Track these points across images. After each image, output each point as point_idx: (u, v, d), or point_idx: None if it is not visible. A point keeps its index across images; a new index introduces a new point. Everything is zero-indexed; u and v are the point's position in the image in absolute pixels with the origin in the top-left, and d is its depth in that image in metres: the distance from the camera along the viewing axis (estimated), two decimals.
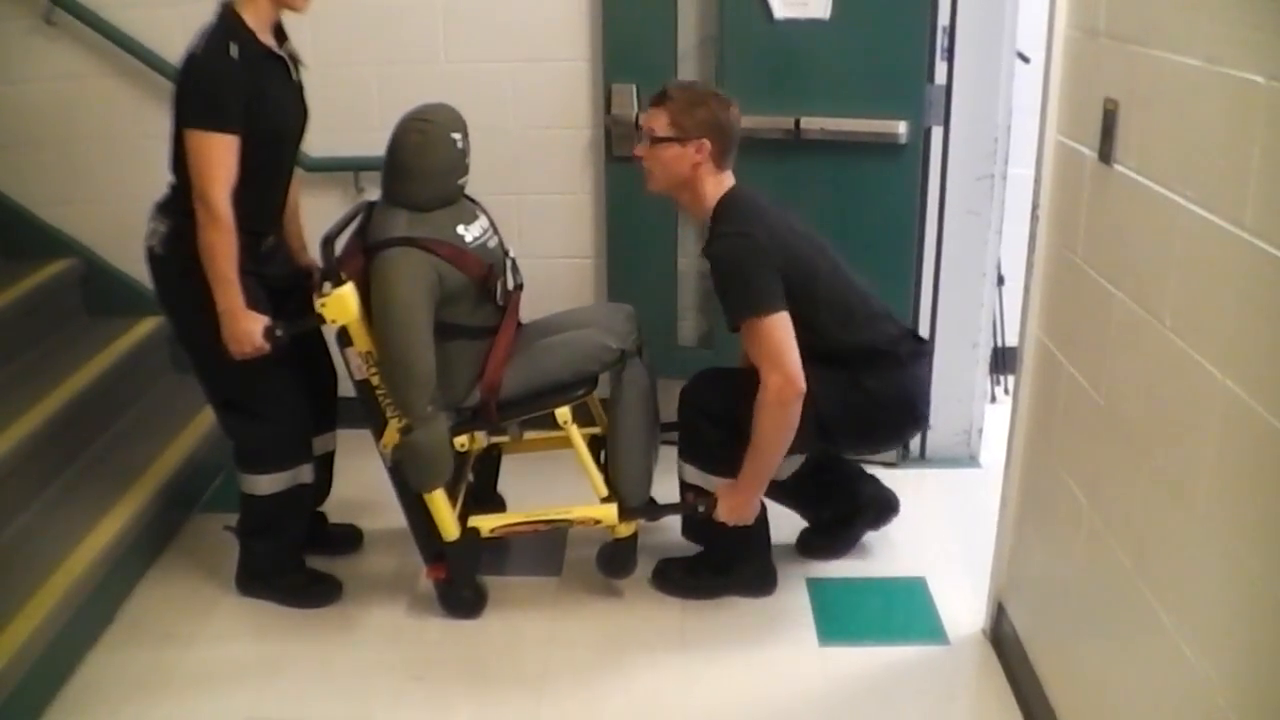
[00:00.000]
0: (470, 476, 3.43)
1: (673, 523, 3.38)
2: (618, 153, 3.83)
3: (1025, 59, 3.73)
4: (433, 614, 3.27)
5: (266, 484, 3.22)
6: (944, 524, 3.69)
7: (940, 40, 3.61)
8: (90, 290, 4.33)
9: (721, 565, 3.31)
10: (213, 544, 3.52)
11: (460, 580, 3.23)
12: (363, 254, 2.98)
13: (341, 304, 2.92)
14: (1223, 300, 1.78)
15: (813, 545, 3.49)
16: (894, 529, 3.53)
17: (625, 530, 3.21)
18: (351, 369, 3.05)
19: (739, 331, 2.97)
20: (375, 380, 3.03)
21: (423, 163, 2.99)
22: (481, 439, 3.23)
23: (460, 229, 3.05)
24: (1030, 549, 2.86)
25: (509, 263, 3.19)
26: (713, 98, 3.00)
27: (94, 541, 3.23)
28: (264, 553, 3.35)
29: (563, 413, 3.10)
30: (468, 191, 3.17)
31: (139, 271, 3.20)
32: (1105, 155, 2.28)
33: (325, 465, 3.49)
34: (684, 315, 4.06)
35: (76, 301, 4.32)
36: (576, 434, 3.14)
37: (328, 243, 2.94)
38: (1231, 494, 1.77)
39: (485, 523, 3.22)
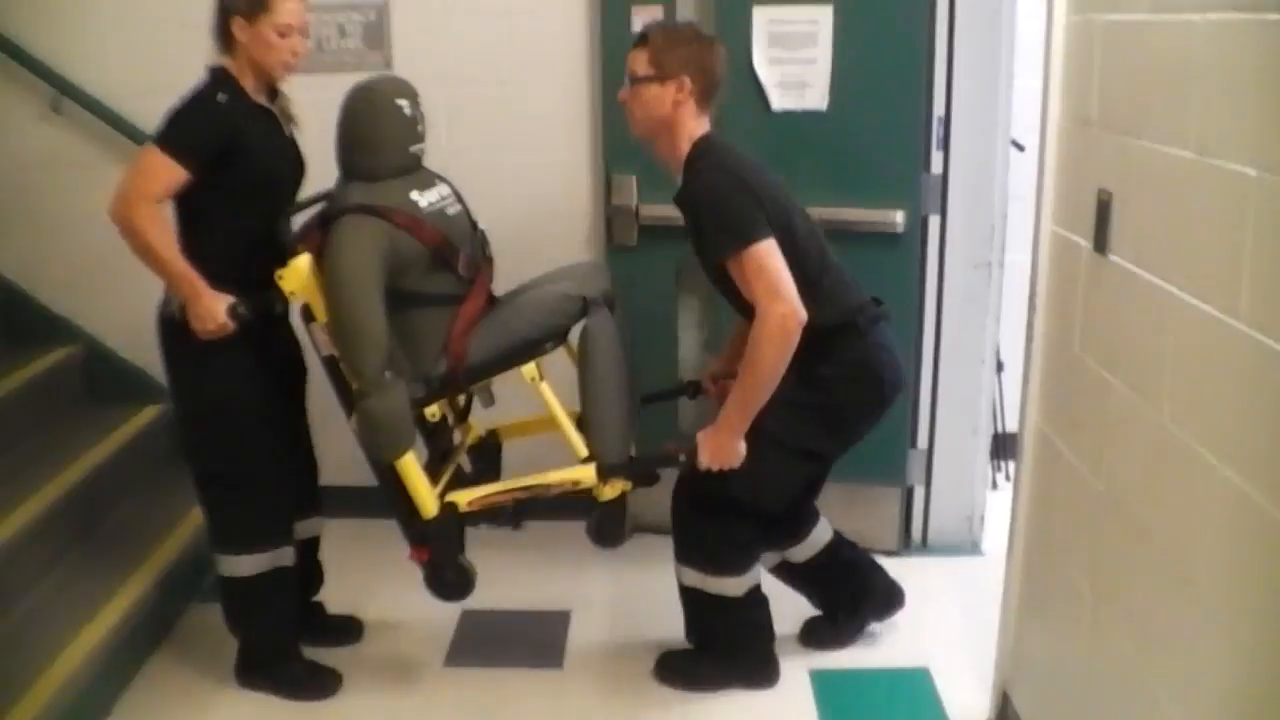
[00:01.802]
0: (469, 468, 3.38)
1: (675, 622, 3.32)
2: (618, 242, 3.88)
3: (1020, 147, 3.78)
4: (436, 708, 3.23)
5: (248, 565, 3.20)
6: (947, 612, 3.67)
7: (936, 130, 3.68)
8: (93, 377, 4.33)
9: (724, 656, 3.27)
10: (212, 635, 3.47)
11: (444, 561, 3.14)
12: (320, 228, 2.98)
13: (297, 274, 2.93)
14: (1220, 390, 1.79)
15: (818, 634, 3.45)
16: (897, 617, 3.51)
17: (610, 493, 3.09)
18: (317, 344, 3.04)
19: (722, 273, 2.88)
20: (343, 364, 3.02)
21: (370, 131, 3.00)
22: (476, 427, 3.26)
23: (414, 195, 3.03)
24: (1034, 637, 2.84)
25: (479, 235, 3.21)
26: (694, 36, 2.97)
27: (93, 631, 3.21)
28: (259, 641, 3.33)
29: (529, 369, 3.01)
30: None
31: (142, 359, 3.24)
32: (1100, 245, 2.30)
33: (311, 550, 3.48)
34: (683, 404, 4.05)
35: (79, 388, 4.32)
36: (547, 391, 3.03)
37: (285, 218, 3.03)
38: (1234, 582, 1.77)
39: (462, 496, 3.12)
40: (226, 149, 2.92)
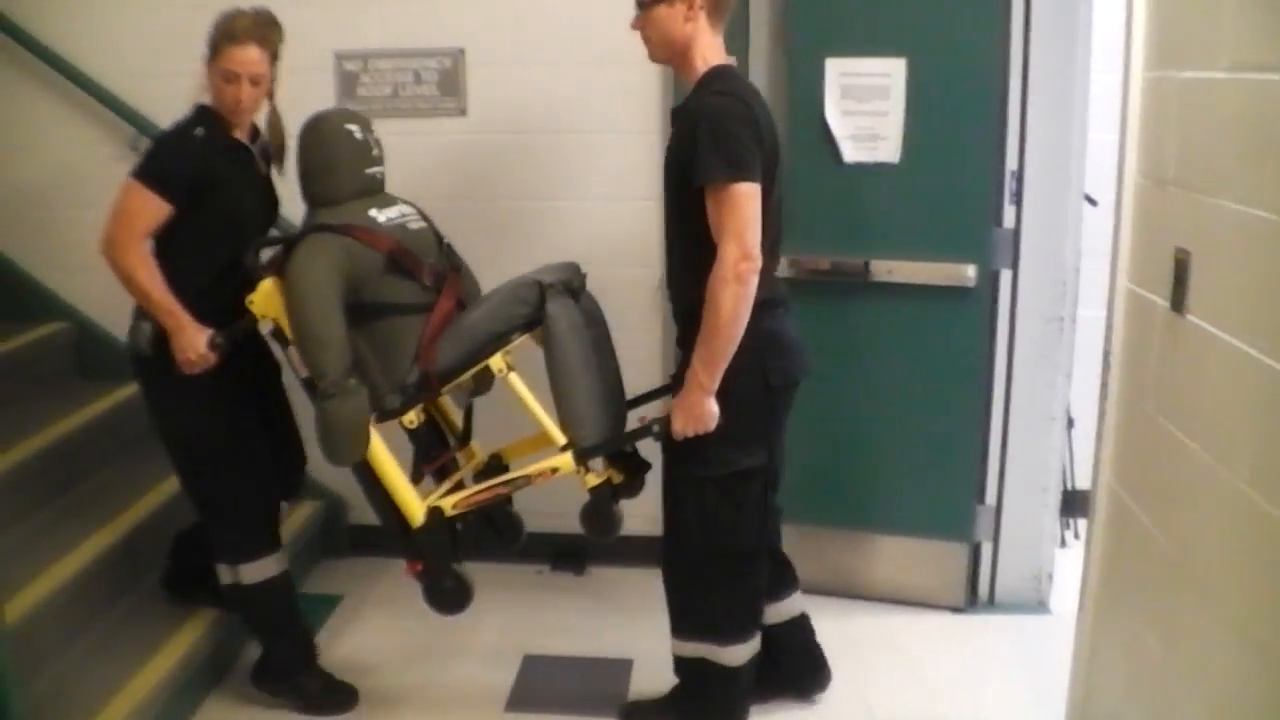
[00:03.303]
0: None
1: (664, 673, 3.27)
2: None
3: (1093, 202, 3.76)
4: None
5: (253, 572, 3.31)
6: (1012, 671, 3.60)
7: (1009, 184, 3.66)
8: (84, 353, 4.44)
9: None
10: None
11: (438, 570, 3.13)
12: (286, 254, 3.07)
13: (264, 296, 3.06)
14: None
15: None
16: (961, 677, 3.46)
17: (594, 480, 3.06)
18: (295, 367, 3.10)
19: (689, 199, 2.77)
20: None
21: (323, 157, 3.10)
22: (479, 452, 3.31)
23: (373, 212, 3.12)
24: (1104, 699, 2.79)
25: (445, 247, 3.28)
26: None
27: (157, 665, 3.25)
28: (276, 647, 3.43)
29: (495, 361, 3.02)
30: None
31: None
32: (1177, 304, 2.28)
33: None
34: None
35: (68, 364, 4.42)
36: (517, 382, 3.05)
37: (253, 251, 3.12)
38: None
39: (447, 500, 3.13)
40: (199, 183, 3.07)
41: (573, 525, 3.13)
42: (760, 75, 3.79)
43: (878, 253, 3.68)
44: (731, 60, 2.98)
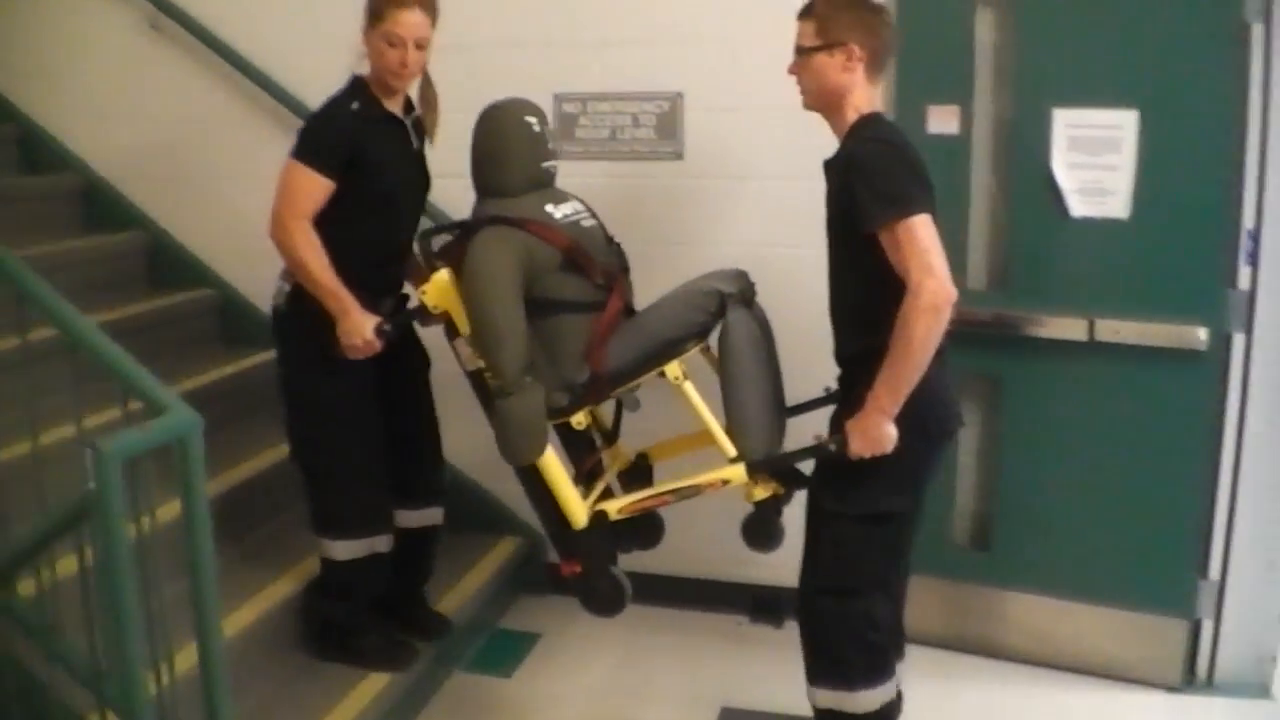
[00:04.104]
0: (619, 492, 3.34)
1: None
2: None
3: None
4: None
5: (341, 550, 3.34)
6: None
7: (1244, 243, 3.48)
8: (226, 321, 4.65)
9: None
10: (474, 704, 3.55)
11: (596, 572, 3.11)
12: (459, 244, 3.06)
13: (439, 288, 3.03)
14: None
15: None
16: None
17: (761, 493, 3.01)
18: (461, 359, 3.09)
19: (856, 248, 2.71)
20: (486, 369, 3.04)
21: (499, 147, 3.08)
22: (626, 451, 3.31)
23: (548, 208, 3.09)
24: None
25: (615, 247, 3.25)
26: (859, 2, 2.83)
27: (360, 695, 3.31)
28: (340, 618, 3.44)
29: (672, 368, 2.97)
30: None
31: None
32: None
33: (425, 540, 3.60)
34: (959, 509, 3.94)
35: (213, 329, 4.63)
36: (692, 392, 2.99)
37: (425, 238, 3.13)
38: None
39: (612, 505, 3.11)
40: (353, 156, 3.10)
41: (774, 575, 3.09)
42: (983, 125, 3.70)
43: (1102, 311, 3.54)
44: (881, 109, 2.92)
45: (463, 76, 3.37)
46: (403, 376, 3.45)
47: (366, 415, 3.34)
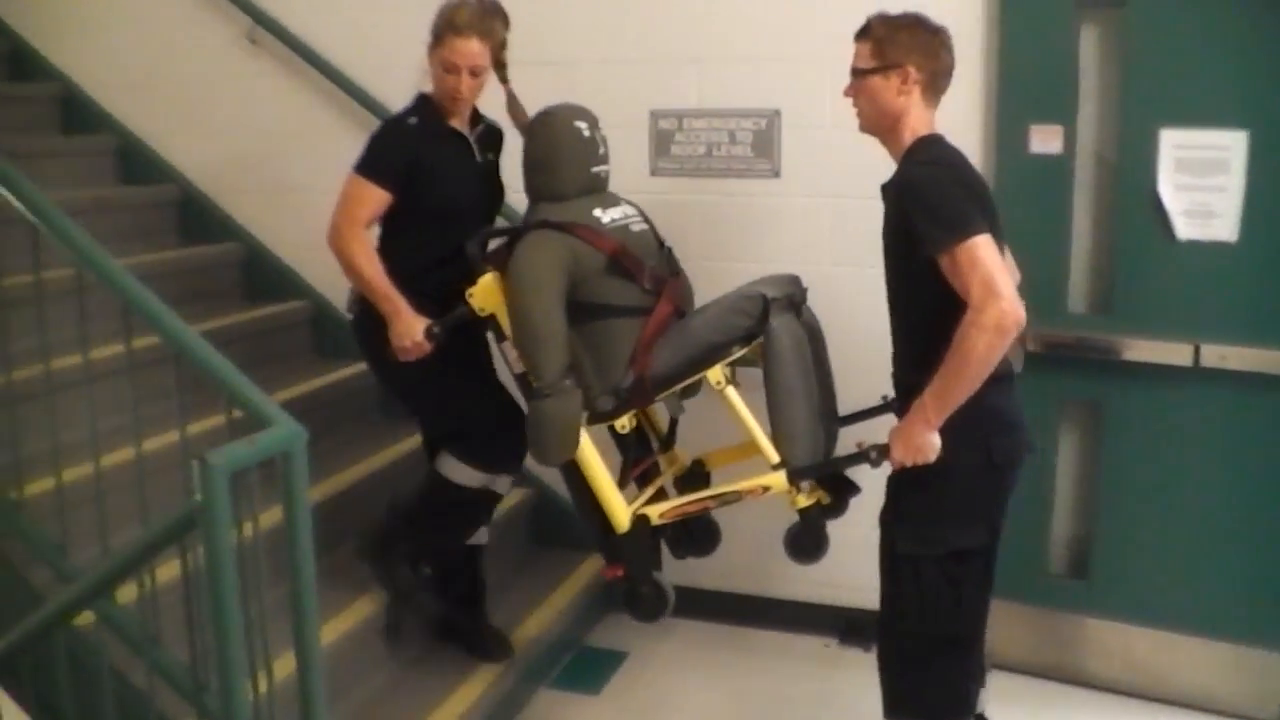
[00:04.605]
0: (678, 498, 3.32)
1: None
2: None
3: None
4: None
5: (466, 474, 3.35)
6: None
7: None
8: (320, 331, 4.68)
9: None
10: None
11: (638, 576, 3.13)
12: (508, 248, 3.13)
13: (485, 290, 3.12)
14: None
15: None
16: None
17: (804, 501, 3.01)
18: (510, 362, 3.14)
19: (916, 273, 2.66)
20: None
21: (550, 152, 3.15)
22: (682, 457, 3.34)
23: (597, 212, 3.13)
24: None
25: (666, 252, 3.28)
26: (916, 23, 2.80)
27: (449, 710, 3.32)
28: (422, 543, 3.44)
29: (714, 373, 3.00)
30: None
31: None
32: None
33: (476, 551, 3.61)
34: (1055, 536, 3.86)
35: (306, 340, 4.68)
36: (734, 397, 3.03)
37: (475, 242, 3.19)
38: None
39: (654, 509, 3.13)
40: (412, 169, 3.19)
41: (865, 598, 3.05)
42: (1087, 145, 3.64)
43: (1208, 336, 3.45)
44: (939, 131, 2.86)
45: (560, 93, 3.36)
46: (482, 365, 3.50)
47: (469, 368, 3.41)
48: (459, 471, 3.36)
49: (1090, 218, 3.70)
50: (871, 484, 2.96)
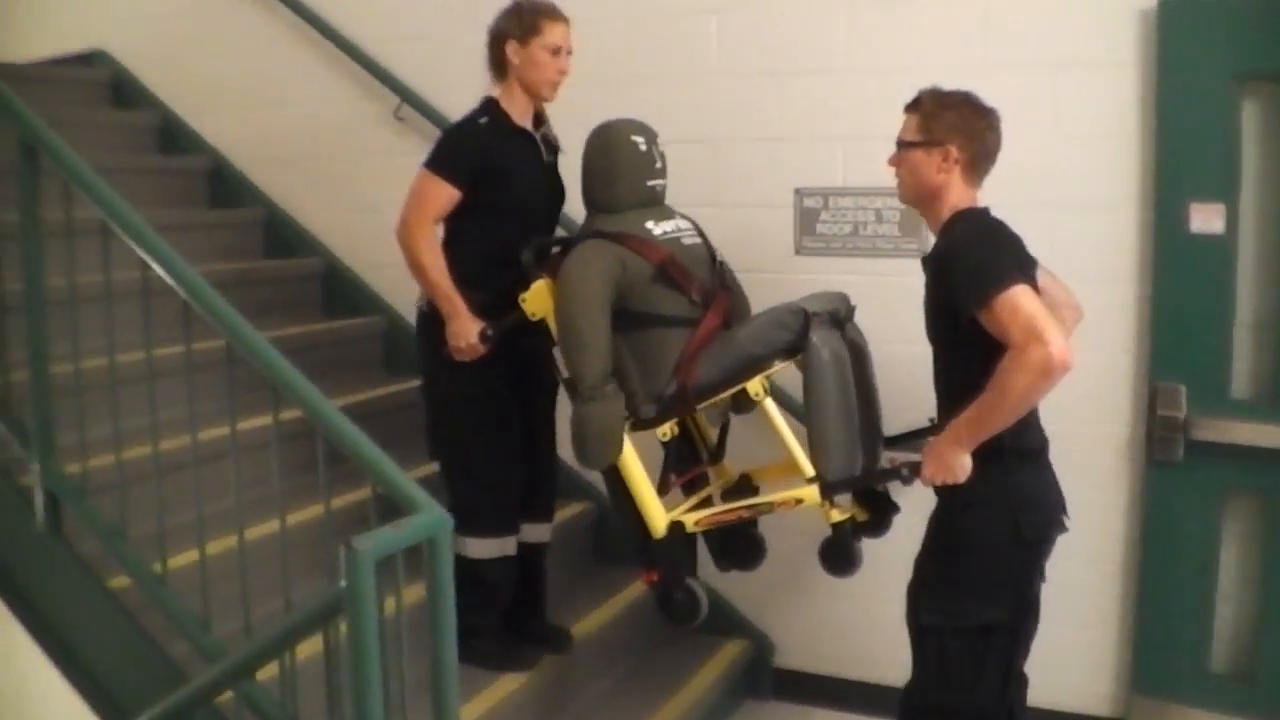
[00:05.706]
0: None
1: None
2: (1159, 457, 3.54)
3: None
4: None
5: (476, 547, 3.38)
6: None
7: None
8: (392, 347, 4.77)
9: None
10: None
11: (672, 582, 3.16)
12: (562, 256, 3.20)
13: (537, 296, 3.21)
14: None
15: None
16: None
17: (838, 515, 3.00)
18: (560, 367, 3.17)
19: (959, 338, 2.69)
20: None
21: (606, 164, 3.22)
22: (730, 470, 3.40)
23: (649, 224, 3.19)
24: None
25: (719, 266, 3.33)
26: (965, 103, 2.81)
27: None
28: (463, 616, 3.35)
29: (753, 385, 3.05)
30: None
31: None
32: None
33: (538, 554, 3.64)
34: (1219, 638, 3.66)
35: (378, 354, 4.80)
36: (773, 408, 3.10)
37: (530, 249, 3.26)
38: None
39: (690, 516, 3.17)
40: (481, 167, 3.28)
41: None
42: (1250, 223, 3.52)
43: None
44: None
45: (705, 170, 3.36)
46: (534, 391, 3.53)
47: (503, 418, 3.44)
48: (471, 547, 3.39)
49: (1254, 300, 3.56)
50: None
